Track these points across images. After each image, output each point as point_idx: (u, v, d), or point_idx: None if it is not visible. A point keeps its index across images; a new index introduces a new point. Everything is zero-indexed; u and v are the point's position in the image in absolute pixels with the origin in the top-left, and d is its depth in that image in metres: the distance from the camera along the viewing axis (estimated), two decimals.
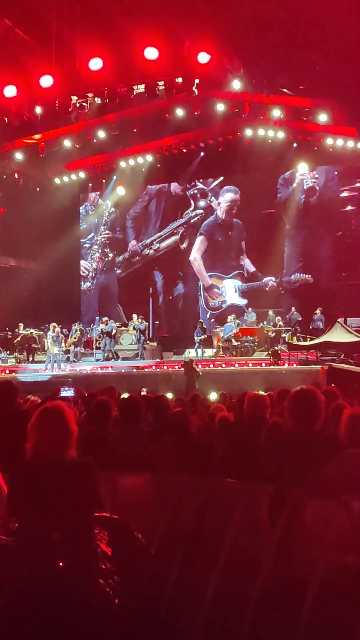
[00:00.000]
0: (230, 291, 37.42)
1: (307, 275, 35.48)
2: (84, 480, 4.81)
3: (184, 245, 39.24)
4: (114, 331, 32.28)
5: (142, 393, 22.24)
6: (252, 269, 37.13)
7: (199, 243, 38.57)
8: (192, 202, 39.14)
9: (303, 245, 36.20)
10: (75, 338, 32.17)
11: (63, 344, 30.79)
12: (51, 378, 28.24)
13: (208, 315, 37.21)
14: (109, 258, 40.77)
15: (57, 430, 4.82)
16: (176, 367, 28.73)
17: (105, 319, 33.41)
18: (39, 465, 4.77)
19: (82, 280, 41.07)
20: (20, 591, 4.49)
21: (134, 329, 32.49)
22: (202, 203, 38.76)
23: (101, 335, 32.39)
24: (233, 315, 33.06)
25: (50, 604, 4.42)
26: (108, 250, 40.80)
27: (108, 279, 40.94)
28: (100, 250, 40.77)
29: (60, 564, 4.53)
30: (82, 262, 41.00)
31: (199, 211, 38.86)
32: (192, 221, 39.08)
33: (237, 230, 37.77)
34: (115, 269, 40.68)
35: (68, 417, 4.91)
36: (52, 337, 29.78)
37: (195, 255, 38.66)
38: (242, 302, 36.79)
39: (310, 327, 31.34)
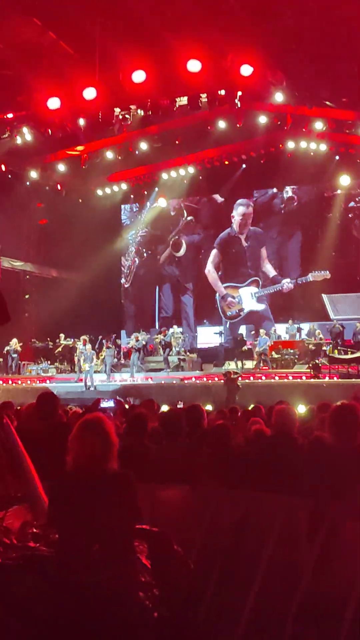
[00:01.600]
0: (246, 298, 37.89)
1: (324, 272, 35.34)
2: (124, 491, 4.81)
3: (181, 253, 40.08)
4: (143, 343, 32.53)
5: (179, 406, 22.31)
6: (272, 273, 37.65)
7: (213, 256, 39.21)
8: (184, 211, 39.99)
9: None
10: (102, 356, 31.70)
11: (95, 359, 30.40)
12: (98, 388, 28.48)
13: (228, 325, 37.84)
14: (144, 257, 41.46)
15: (98, 442, 4.84)
16: (216, 379, 28.71)
17: (136, 334, 33.41)
18: (80, 477, 4.79)
19: (122, 277, 41.69)
20: (60, 602, 4.50)
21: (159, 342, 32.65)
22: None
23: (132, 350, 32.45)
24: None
25: (89, 616, 4.42)
26: (144, 249, 41.44)
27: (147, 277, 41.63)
28: (135, 248, 41.46)
29: (101, 576, 4.54)
30: (122, 260, 41.68)
31: (190, 217, 39.80)
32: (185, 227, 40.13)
33: (254, 238, 38.27)
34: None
35: (109, 428, 4.93)
36: (84, 353, 29.73)
37: (209, 268, 39.27)
38: (260, 307, 37.44)
39: (353, 341, 31.13)
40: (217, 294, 38.80)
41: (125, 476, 4.90)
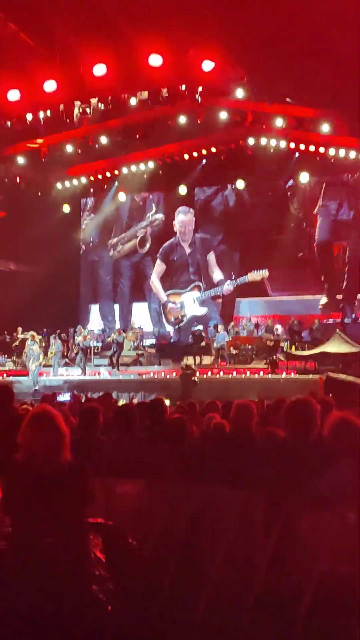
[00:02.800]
0: (188, 304, 37.94)
1: (262, 271, 35.59)
2: (79, 483, 4.80)
3: (145, 249, 40.19)
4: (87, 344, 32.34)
5: (135, 400, 22.29)
6: (219, 277, 37.75)
7: (156, 266, 39.54)
8: (153, 206, 40.09)
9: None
10: (52, 353, 31.11)
11: (41, 357, 29.56)
12: (47, 384, 28.32)
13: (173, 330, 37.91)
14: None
15: (49, 435, 4.82)
16: (174, 374, 28.75)
17: (84, 333, 33.22)
18: (34, 470, 4.76)
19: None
20: (13, 595, 4.47)
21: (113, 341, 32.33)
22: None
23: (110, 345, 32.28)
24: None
25: (43, 609, 4.40)
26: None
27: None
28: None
29: (54, 570, 4.51)
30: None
31: (159, 215, 39.80)
32: (154, 224, 40.08)
33: (200, 245, 38.47)
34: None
35: (58, 420, 4.91)
36: (31, 350, 29.21)
37: (153, 279, 39.60)
38: (203, 310, 37.54)
39: (310, 338, 31.32)
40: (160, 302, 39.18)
41: (80, 467, 4.88)
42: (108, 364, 31.64)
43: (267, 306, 36.85)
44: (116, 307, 40.96)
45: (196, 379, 26.24)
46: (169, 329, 38.08)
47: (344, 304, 34.57)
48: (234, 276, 36.60)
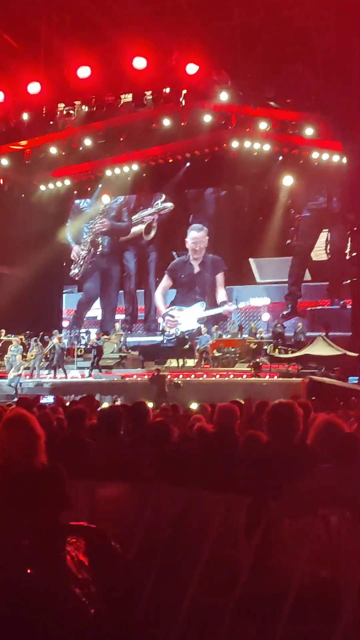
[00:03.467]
0: (186, 319, 37.85)
1: (264, 298, 36.13)
2: (55, 484, 4.81)
3: (150, 236, 39.96)
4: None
5: (117, 402, 22.27)
6: (223, 298, 37.76)
7: (163, 281, 39.46)
8: (163, 194, 39.65)
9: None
10: (32, 356, 30.89)
11: (22, 369, 29.02)
12: (31, 385, 28.29)
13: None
14: (101, 249, 41.24)
15: (23, 438, 4.83)
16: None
17: (59, 335, 33.06)
18: (8, 472, 4.77)
19: (72, 265, 41.43)
20: None
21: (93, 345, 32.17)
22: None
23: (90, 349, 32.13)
24: (211, 327, 33.48)
25: (22, 613, 4.39)
26: (100, 239, 41.23)
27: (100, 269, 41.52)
28: (91, 238, 41.17)
29: (31, 572, 4.50)
30: (75, 247, 41.40)
31: (169, 204, 39.39)
32: (162, 212, 39.70)
33: (210, 265, 38.27)
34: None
35: (33, 423, 4.93)
36: (14, 357, 28.88)
37: (157, 293, 39.58)
38: (196, 327, 36.79)
39: (293, 340, 31.39)
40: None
41: (55, 469, 4.89)
42: (90, 368, 31.47)
43: (256, 293, 37.04)
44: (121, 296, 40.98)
45: (179, 382, 26.29)
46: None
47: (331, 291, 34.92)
48: (236, 300, 36.57)
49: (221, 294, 37.83)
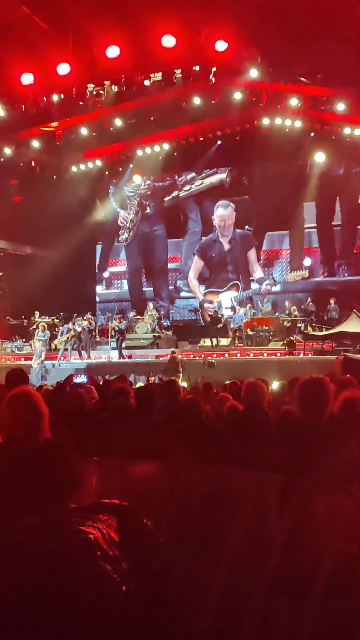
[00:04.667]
0: (226, 303, 37.34)
1: (302, 272, 35.57)
2: (59, 461, 4.80)
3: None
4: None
5: (152, 379, 22.34)
6: (259, 275, 37.56)
7: (194, 262, 39.09)
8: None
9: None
10: (61, 341, 30.66)
11: (43, 355, 28.74)
12: (65, 366, 28.43)
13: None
14: (149, 211, 40.81)
15: (26, 414, 4.84)
16: (191, 356, 28.81)
17: (119, 315, 33.14)
18: (12, 449, 4.78)
19: (120, 230, 41.20)
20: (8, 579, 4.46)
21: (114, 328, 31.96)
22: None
23: (113, 333, 32.08)
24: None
25: (34, 591, 4.40)
26: (147, 202, 40.81)
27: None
28: (137, 201, 40.76)
29: (37, 549, 4.49)
30: (122, 213, 41.10)
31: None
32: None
33: (240, 241, 37.98)
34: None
35: (37, 399, 4.93)
36: (39, 337, 28.85)
37: (190, 276, 39.18)
38: (241, 311, 36.49)
39: (325, 318, 31.27)
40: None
41: (59, 445, 4.90)
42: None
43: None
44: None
45: (213, 360, 26.32)
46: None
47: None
48: (273, 275, 36.44)
49: (257, 271, 37.58)
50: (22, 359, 30.46)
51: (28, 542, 4.49)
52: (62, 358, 29.69)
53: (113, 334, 31.89)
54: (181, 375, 24.89)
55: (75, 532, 4.71)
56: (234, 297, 37.17)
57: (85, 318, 31.49)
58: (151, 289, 40.49)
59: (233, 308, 33.17)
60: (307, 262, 36.04)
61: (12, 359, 30.77)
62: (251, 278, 37.78)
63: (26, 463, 4.72)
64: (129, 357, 30.38)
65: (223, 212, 38.15)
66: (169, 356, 27.09)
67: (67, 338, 30.31)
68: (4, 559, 4.46)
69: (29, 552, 4.46)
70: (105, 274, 41.69)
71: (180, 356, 27.22)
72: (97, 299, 41.01)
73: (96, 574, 4.55)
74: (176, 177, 39.86)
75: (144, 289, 40.74)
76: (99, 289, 41.57)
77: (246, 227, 37.47)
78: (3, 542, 4.52)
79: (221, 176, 38.84)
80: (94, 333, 32.22)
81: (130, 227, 40.83)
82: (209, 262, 38.66)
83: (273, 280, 36.26)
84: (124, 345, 31.34)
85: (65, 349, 30.20)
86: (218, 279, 38.28)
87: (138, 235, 40.79)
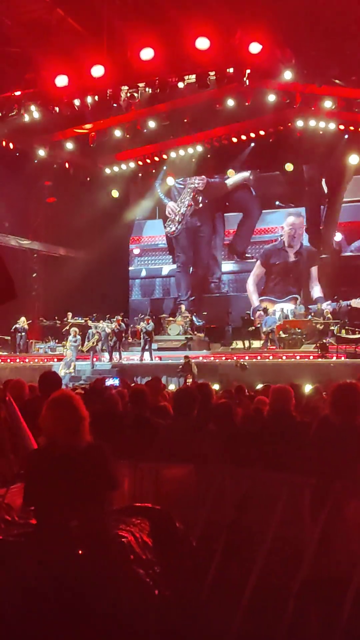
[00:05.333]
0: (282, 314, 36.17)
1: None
2: (99, 464, 4.82)
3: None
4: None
5: (189, 381, 22.35)
6: (317, 294, 36.48)
7: (255, 268, 38.35)
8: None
9: None
10: (93, 343, 30.93)
11: (72, 367, 28.63)
12: (97, 367, 28.55)
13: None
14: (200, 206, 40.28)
15: (67, 418, 4.86)
16: (223, 358, 28.78)
17: (146, 317, 33.09)
18: (54, 453, 4.81)
19: (167, 221, 40.84)
20: (39, 580, 4.48)
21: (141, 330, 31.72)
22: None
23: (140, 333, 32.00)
24: (277, 308, 33.11)
25: (75, 593, 4.42)
26: (200, 198, 40.28)
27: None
28: (191, 195, 40.20)
29: (79, 552, 4.52)
30: (170, 204, 40.69)
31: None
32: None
33: (306, 256, 37.24)
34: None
35: (77, 403, 4.95)
36: (71, 342, 29.00)
37: (249, 281, 38.43)
38: None
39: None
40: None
41: (98, 448, 4.91)
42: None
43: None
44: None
45: (245, 363, 26.27)
46: None
47: None
48: (336, 297, 34.56)
49: (316, 290, 36.72)
50: (55, 359, 30.56)
51: (69, 545, 4.52)
52: (94, 360, 29.82)
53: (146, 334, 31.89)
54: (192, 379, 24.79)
55: (113, 536, 4.73)
56: (290, 310, 36.05)
57: (115, 319, 31.54)
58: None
59: (265, 310, 32.93)
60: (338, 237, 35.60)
61: (45, 360, 30.88)
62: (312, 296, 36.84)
63: (68, 466, 4.75)
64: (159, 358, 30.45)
65: (294, 221, 37.44)
66: (182, 360, 27.06)
67: (93, 343, 30.44)
68: (47, 561, 4.49)
69: (70, 555, 4.49)
70: (136, 251, 41.55)
71: (192, 360, 27.14)
72: (130, 296, 41.11)
73: (129, 578, 4.57)
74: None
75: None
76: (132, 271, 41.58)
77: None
78: (47, 545, 4.56)
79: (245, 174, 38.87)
80: (124, 335, 32.18)
81: (180, 220, 40.42)
82: (270, 270, 37.94)
83: (338, 304, 34.87)
84: (154, 346, 31.42)
85: (95, 351, 30.33)
86: (277, 289, 37.51)
87: (187, 228, 40.36)
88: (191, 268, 40.25)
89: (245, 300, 37.88)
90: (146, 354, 30.56)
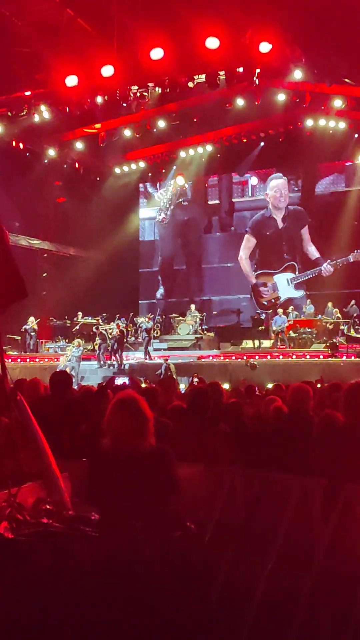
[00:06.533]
0: (282, 285, 36.62)
1: None
2: (163, 466, 4.86)
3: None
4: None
5: (195, 380, 22.36)
6: (315, 255, 36.19)
7: (245, 241, 38.08)
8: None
9: None
10: (96, 344, 31.06)
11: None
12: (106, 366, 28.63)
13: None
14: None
15: (133, 420, 4.89)
16: (233, 357, 28.76)
17: (150, 315, 33.06)
18: (119, 455, 4.84)
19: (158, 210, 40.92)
20: (101, 581, 4.49)
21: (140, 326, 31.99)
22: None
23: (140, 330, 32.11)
24: (287, 308, 32.98)
25: (122, 591, 4.43)
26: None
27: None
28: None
29: (144, 552, 4.54)
30: (157, 193, 40.89)
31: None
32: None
33: (294, 218, 36.99)
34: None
35: (143, 405, 4.97)
36: (74, 354, 28.95)
37: (242, 255, 38.13)
38: (299, 294, 36.10)
39: None
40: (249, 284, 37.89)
41: (163, 451, 4.94)
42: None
43: None
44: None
45: (255, 362, 26.26)
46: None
47: None
48: (334, 257, 35.10)
49: (312, 251, 36.33)
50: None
51: (133, 546, 4.53)
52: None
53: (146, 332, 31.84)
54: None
55: (174, 540, 4.75)
56: (290, 279, 36.35)
57: (115, 324, 31.42)
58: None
59: (275, 311, 32.86)
60: None
61: (55, 360, 30.89)
62: (310, 258, 36.46)
63: (134, 468, 4.79)
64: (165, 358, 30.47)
65: (278, 182, 37.31)
66: (163, 365, 27.19)
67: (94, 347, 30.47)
68: (111, 561, 4.50)
69: (134, 555, 4.50)
70: None
71: (173, 365, 27.30)
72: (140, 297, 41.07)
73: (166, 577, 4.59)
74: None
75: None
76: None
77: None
78: (112, 544, 4.57)
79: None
80: (126, 339, 31.89)
81: (168, 205, 40.44)
82: (262, 241, 37.55)
83: (335, 263, 34.89)
84: (164, 345, 31.49)
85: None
86: (272, 260, 37.09)
87: (175, 219, 40.48)
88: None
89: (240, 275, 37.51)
90: (155, 353, 30.69)
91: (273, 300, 36.63)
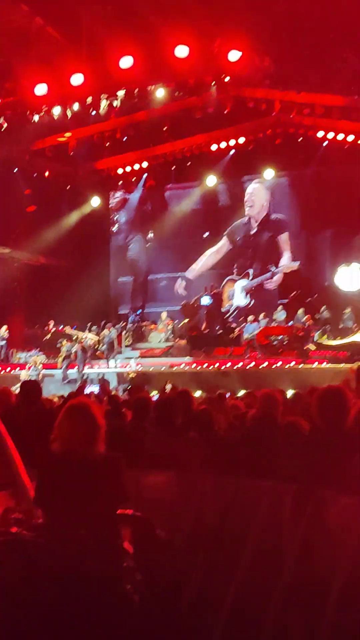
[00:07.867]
0: (237, 293, 36.42)
1: (294, 263, 34.88)
2: (112, 474, 4.83)
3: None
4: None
5: (167, 387, 22.33)
6: (284, 262, 35.70)
7: (219, 246, 37.72)
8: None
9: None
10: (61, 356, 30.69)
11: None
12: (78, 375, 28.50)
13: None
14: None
15: (84, 426, 4.86)
16: (205, 365, 28.77)
17: (109, 324, 32.83)
18: (68, 461, 4.80)
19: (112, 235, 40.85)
20: (42, 587, 4.47)
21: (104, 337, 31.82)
22: None
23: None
24: (256, 315, 32.92)
25: (71, 601, 4.41)
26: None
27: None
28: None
29: (86, 561, 4.52)
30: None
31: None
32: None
33: (269, 225, 36.61)
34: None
35: (95, 412, 4.95)
36: (29, 373, 28.13)
37: (207, 252, 37.85)
38: (245, 302, 35.88)
39: (340, 327, 31.11)
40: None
41: (113, 459, 4.91)
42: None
43: None
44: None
45: (227, 369, 26.31)
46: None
47: None
48: (274, 266, 34.99)
49: (284, 260, 35.79)
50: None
51: (77, 552, 4.51)
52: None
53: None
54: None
55: (117, 547, 4.74)
56: (242, 286, 36.05)
57: (89, 333, 31.23)
58: None
59: (245, 319, 32.86)
60: None
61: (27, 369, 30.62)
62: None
63: (84, 475, 4.77)
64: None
65: (253, 187, 37.07)
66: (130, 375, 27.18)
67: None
68: (55, 567, 4.47)
69: (76, 562, 4.48)
70: None
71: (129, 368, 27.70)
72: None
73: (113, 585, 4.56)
74: None
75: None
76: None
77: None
78: (57, 552, 4.54)
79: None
80: (88, 353, 31.45)
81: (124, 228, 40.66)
82: (234, 246, 37.16)
83: (271, 273, 34.94)
84: (136, 354, 31.51)
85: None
86: (238, 266, 36.76)
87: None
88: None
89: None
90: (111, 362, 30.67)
91: (229, 307, 36.44)
